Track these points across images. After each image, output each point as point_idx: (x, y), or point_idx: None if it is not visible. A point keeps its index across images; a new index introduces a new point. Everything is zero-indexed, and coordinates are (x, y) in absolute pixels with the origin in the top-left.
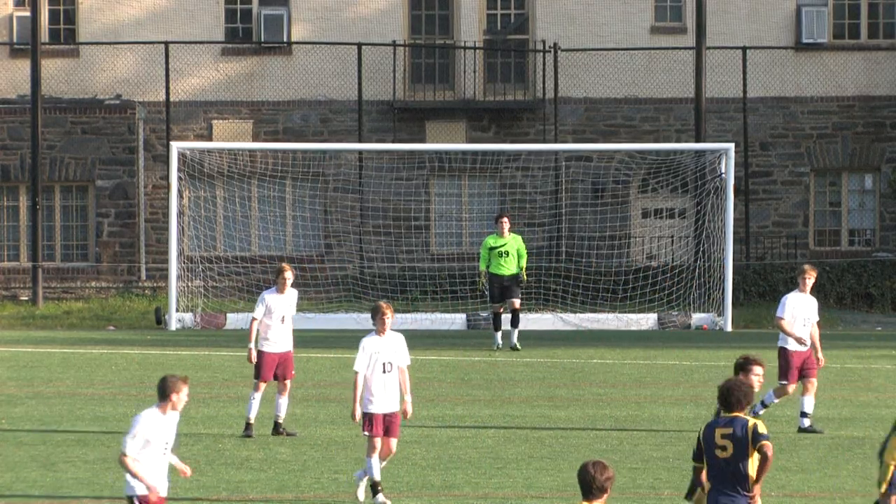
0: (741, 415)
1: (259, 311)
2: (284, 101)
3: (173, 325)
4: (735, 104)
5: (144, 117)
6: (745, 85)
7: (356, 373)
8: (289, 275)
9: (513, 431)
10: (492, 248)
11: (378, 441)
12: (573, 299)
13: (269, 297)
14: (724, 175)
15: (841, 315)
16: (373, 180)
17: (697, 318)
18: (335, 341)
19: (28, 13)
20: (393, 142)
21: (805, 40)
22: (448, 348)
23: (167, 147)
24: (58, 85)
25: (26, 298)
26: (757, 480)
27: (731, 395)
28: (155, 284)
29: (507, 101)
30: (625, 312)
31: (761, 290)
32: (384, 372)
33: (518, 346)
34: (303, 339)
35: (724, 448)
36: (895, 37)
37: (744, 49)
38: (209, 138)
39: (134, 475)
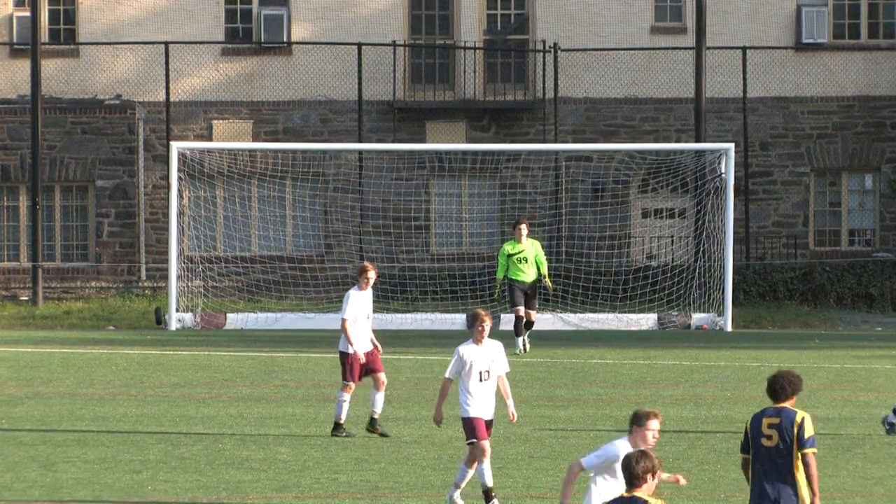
0: (789, 406)
1: (349, 311)
2: (284, 101)
3: (173, 325)
4: (735, 104)
5: (144, 117)
6: (745, 85)
7: (446, 379)
8: (372, 274)
9: (513, 431)
10: (510, 255)
11: (486, 444)
12: (573, 299)
13: (354, 295)
14: (724, 175)
15: (841, 315)
16: (373, 180)
17: (697, 318)
18: (335, 341)
19: (28, 13)
20: (393, 142)
21: (805, 40)
22: (448, 348)
23: (167, 147)
24: (58, 85)
25: (26, 298)
26: (813, 494)
27: (777, 384)
28: (155, 284)
29: (507, 101)
30: (625, 312)
31: (761, 290)
32: (481, 381)
33: (527, 347)
34: (303, 339)
35: (769, 437)
36: (895, 37)
37: (744, 49)
38: (209, 138)
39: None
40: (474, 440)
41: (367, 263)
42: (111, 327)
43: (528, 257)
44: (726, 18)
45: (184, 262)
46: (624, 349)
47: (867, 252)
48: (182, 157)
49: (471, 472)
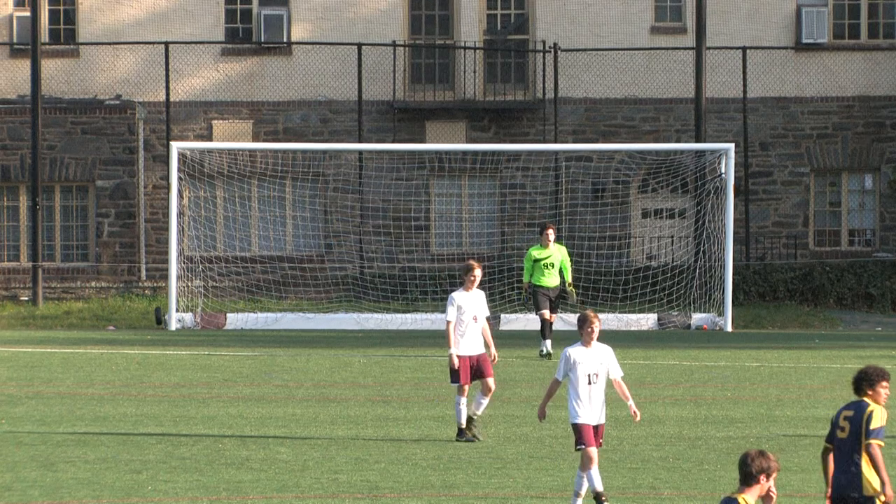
0: (866, 399)
1: (451, 312)
2: (284, 101)
3: (173, 325)
4: (735, 104)
5: (144, 117)
6: (745, 85)
7: (554, 380)
8: (478, 272)
9: (513, 431)
10: (536, 260)
11: (593, 451)
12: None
13: (459, 296)
14: (724, 175)
15: (841, 315)
16: (373, 180)
17: (697, 318)
18: (335, 341)
19: (28, 13)
20: (393, 142)
21: (805, 40)
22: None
23: (167, 147)
24: (58, 85)
25: (26, 298)
26: (882, 484)
27: (856, 378)
28: (155, 284)
29: (507, 101)
30: (625, 312)
31: (761, 290)
32: (590, 383)
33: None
34: (303, 339)
35: (843, 429)
36: (895, 37)
37: (744, 49)
38: (209, 138)
39: None
40: (582, 446)
41: (472, 262)
42: (111, 327)
43: (555, 262)
44: (726, 18)
45: (184, 262)
46: (624, 349)
47: (867, 252)
48: (182, 157)
49: (587, 479)
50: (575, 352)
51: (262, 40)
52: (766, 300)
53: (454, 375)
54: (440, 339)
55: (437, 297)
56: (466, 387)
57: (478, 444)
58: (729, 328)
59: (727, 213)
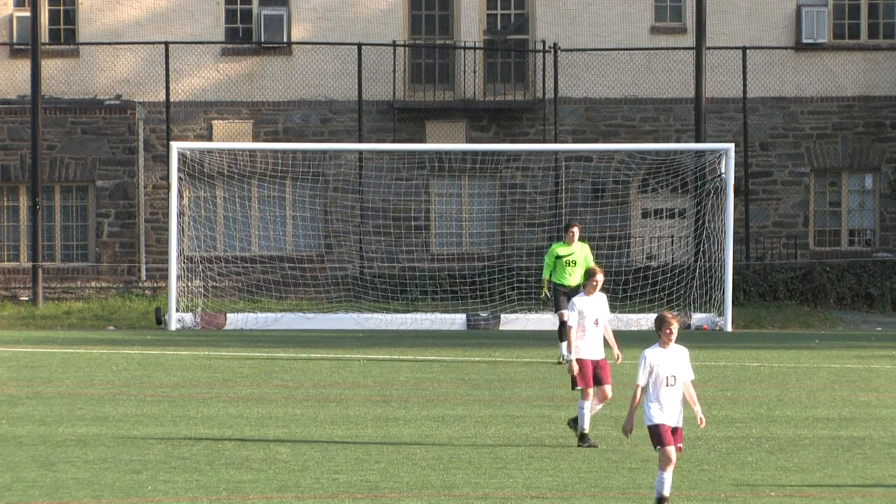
0: None
1: (573, 317)
2: (284, 102)
3: (173, 325)
4: (735, 104)
5: (144, 117)
6: (745, 85)
7: (638, 386)
8: (600, 277)
9: (513, 431)
10: (559, 257)
11: (672, 451)
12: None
13: (580, 301)
14: (724, 175)
15: (841, 315)
16: (373, 180)
17: (697, 318)
18: (335, 341)
19: (28, 13)
20: (393, 142)
21: (805, 40)
22: (448, 348)
23: (167, 147)
24: (58, 85)
25: (26, 298)
26: None
27: None
28: (155, 284)
29: (507, 101)
30: (625, 312)
31: (761, 290)
32: (668, 385)
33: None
34: (303, 339)
35: None
36: (895, 37)
37: (744, 49)
38: (209, 138)
39: None
40: (661, 446)
41: (594, 266)
42: (111, 327)
43: (578, 261)
44: (726, 18)
45: (184, 262)
46: (624, 349)
47: (867, 252)
48: (182, 157)
49: (667, 477)
50: (653, 353)
51: (262, 40)
52: (766, 300)
53: (575, 380)
54: (441, 339)
55: (437, 297)
56: (590, 390)
57: (478, 444)
58: (729, 328)
59: (727, 213)
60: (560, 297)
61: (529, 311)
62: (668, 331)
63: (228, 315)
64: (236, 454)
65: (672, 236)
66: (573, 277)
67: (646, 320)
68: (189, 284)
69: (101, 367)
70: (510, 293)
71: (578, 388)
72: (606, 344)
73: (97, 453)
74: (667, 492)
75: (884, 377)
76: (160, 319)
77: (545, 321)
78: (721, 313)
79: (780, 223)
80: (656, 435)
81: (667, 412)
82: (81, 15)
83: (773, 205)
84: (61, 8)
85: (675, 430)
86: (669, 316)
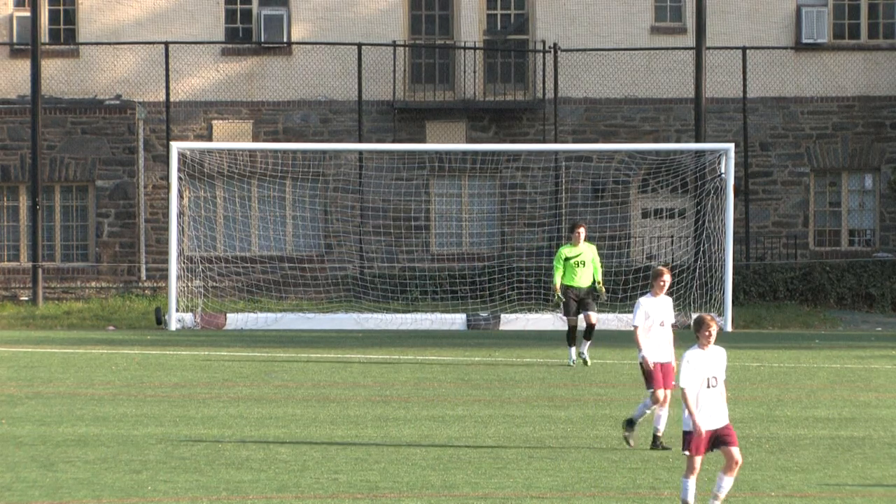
0: None
1: (639, 318)
2: (284, 101)
3: (173, 325)
4: (735, 104)
5: (144, 117)
6: (745, 85)
7: (683, 388)
8: (667, 278)
9: (513, 431)
10: (567, 259)
11: (698, 461)
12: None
13: (646, 302)
14: (723, 175)
15: (841, 315)
16: (373, 180)
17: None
18: (335, 341)
19: (28, 13)
20: (393, 142)
21: (805, 40)
22: (448, 348)
23: (167, 147)
24: (58, 85)
25: (26, 298)
26: None
27: None
28: (155, 284)
29: (507, 101)
30: (625, 312)
31: (761, 290)
32: (709, 387)
33: (587, 359)
34: (303, 339)
35: None
36: (895, 37)
37: (744, 49)
38: (209, 138)
39: None
40: (688, 453)
41: (661, 267)
42: (111, 327)
43: (586, 261)
44: (726, 18)
45: (184, 262)
46: (624, 349)
47: (867, 252)
48: (182, 157)
49: (727, 481)
50: (693, 355)
51: (262, 40)
52: (766, 300)
53: (649, 381)
54: (441, 339)
55: (437, 297)
56: (660, 392)
57: (478, 444)
58: (729, 328)
59: (727, 213)
60: (569, 302)
61: (529, 311)
62: (706, 332)
63: (228, 315)
64: (236, 454)
65: (672, 236)
66: (582, 278)
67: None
68: (189, 284)
69: (101, 367)
70: (510, 293)
71: (651, 390)
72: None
73: (97, 453)
74: (691, 499)
75: (884, 377)
76: (160, 319)
77: (545, 321)
78: (721, 313)
79: (780, 223)
80: (687, 441)
81: (706, 415)
82: (81, 15)
83: (773, 205)
84: (61, 8)
85: (723, 430)
86: (708, 318)
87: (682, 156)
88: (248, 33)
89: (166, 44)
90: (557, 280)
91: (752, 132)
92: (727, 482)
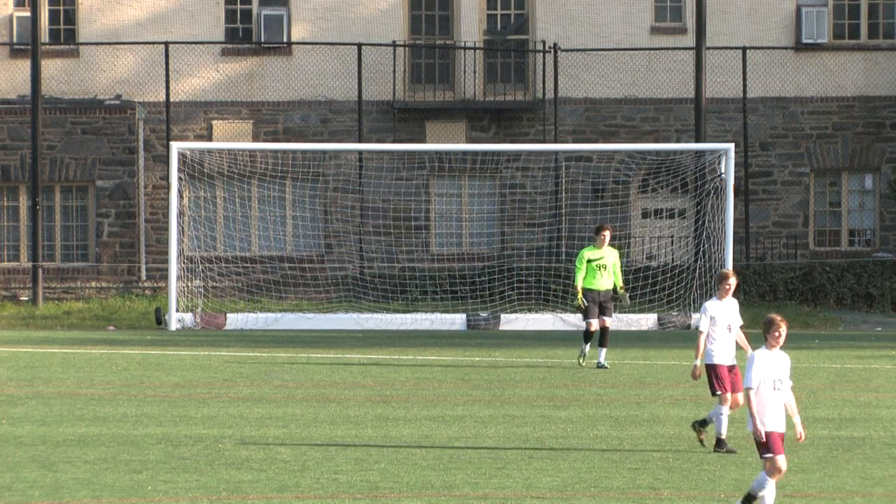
0: None
1: (704, 322)
2: (284, 102)
3: (173, 325)
4: (735, 104)
5: (144, 117)
6: (745, 85)
7: (748, 389)
8: (732, 281)
9: (513, 431)
10: (590, 261)
11: (782, 460)
12: (573, 299)
13: (712, 306)
14: (723, 175)
15: (841, 315)
16: (373, 180)
17: (697, 318)
18: (335, 341)
19: (28, 13)
20: (393, 142)
21: (805, 40)
22: (448, 348)
23: (167, 147)
24: (58, 85)
25: (26, 298)
26: None
27: None
28: (155, 284)
29: (507, 101)
30: (625, 312)
31: (761, 291)
32: (774, 389)
33: (606, 364)
34: (303, 339)
35: None
36: (895, 37)
37: (744, 49)
38: (209, 138)
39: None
40: (770, 454)
41: (727, 270)
42: (111, 327)
43: (608, 265)
44: (726, 18)
45: (184, 262)
46: (624, 349)
47: (867, 252)
48: (182, 157)
49: (772, 485)
50: (760, 355)
51: (262, 40)
52: (766, 300)
53: (714, 386)
54: (441, 339)
55: (437, 297)
56: (729, 395)
57: (478, 444)
58: None
59: (727, 213)
60: (590, 305)
61: (529, 311)
62: (776, 334)
63: (228, 315)
64: (236, 454)
65: (672, 236)
66: (603, 281)
67: (646, 321)
68: (189, 284)
69: (101, 367)
70: (510, 293)
71: (717, 393)
72: (739, 347)
73: (97, 453)
74: (769, 500)
75: (884, 377)
76: (160, 319)
77: (545, 321)
78: None
79: (780, 223)
80: (766, 442)
81: (775, 418)
82: (81, 15)
83: (773, 205)
84: (61, 8)
85: (782, 437)
86: (779, 319)
87: (682, 156)
88: (248, 33)
89: (166, 44)
90: (579, 281)
91: (752, 132)
92: (767, 484)
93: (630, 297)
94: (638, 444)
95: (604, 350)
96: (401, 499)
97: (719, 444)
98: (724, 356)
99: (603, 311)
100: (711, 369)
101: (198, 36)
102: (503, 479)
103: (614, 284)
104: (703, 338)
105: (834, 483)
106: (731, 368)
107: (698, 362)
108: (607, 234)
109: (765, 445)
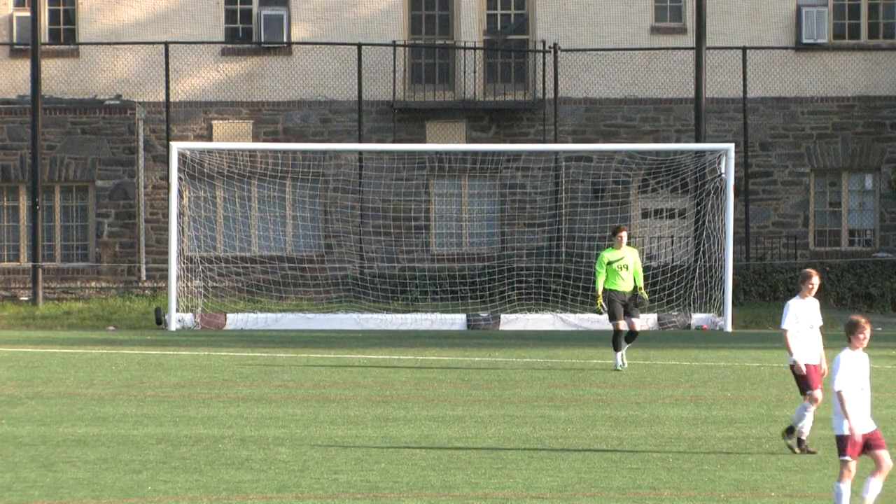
0: None
1: (789, 321)
2: (284, 102)
3: (173, 326)
4: (735, 104)
5: (144, 117)
6: (745, 85)
7: (839, 391)
8: (815, 280)
9: (513, 431)
10: (609, 263)
11: (853, 465)
12: (573, 299)
13: (795, 304)
14: (724, 175)
15: (841, 315)
16: (373, 180)
17: (697, 318)
18: (335, 341)
19: (28, 13)
20: (393, 142)
21: (805, 40)
22: (448, 348)
23: (167, 147)
24: (58, 85)
25: (26, 298)
26: None
27: None
28: (155, 284)
29: (507, 101)
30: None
31: (761, 291)
32: (861, 390)
33: (625, 363)
34: (303, 339)
35: None
36: (895, 37)
37: (744, 49)
38: (209, 138)
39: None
40: (847, 458)
41: (810, 270)
42: (111, 327)
43: (628, 265)
44: (726, 18)
45: (184, 262)
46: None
47: (867, 252)
48: (182, 157)
49: (875, 483)
50: (847, 357)
51: (262, 40)
52: (766, 300)
53: (803, 384)
54: (441, 339)
55: (437, 297)
56: (819, 393)
57: (478, 444)
58: (729, 328)
59: (727, 213)
60: (615, 305)
61: (529, 311)
62: (861, 335)
63: (228, 315)
64: (236, 454)
65: (672, 236)
66: (626, 282)
67: (646, 321)
68: (189, 284)
69: (101, 367)
70: (510, 293)
71: (808, 391)
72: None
73: (97, 453)
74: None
75: (884, 377)
76: (160, 319)
77: (545, 321)
78: (721, 313)
79: (780, 223)
80: (842, 445)
81: (858, 419)
82: (81, 15)
83: (773, 205)
84: (61, 8)
85: (872, 434)
86: (864, 320)
87: (682, 156)
88: (248, 33)
89: (166, 44)
90: (600, 286)
91: (752, 132)
92: (875, 484)
93: (650, 301)
94: (638, 444)
95: (626, 346)
96: (401, 499)
97: (800, 443)
98: (808, 355)
99: (629, 313)
100: (798, 366)
101: (198, 36)
102: (503, 479)
103: (635, 285)
104: (789, 335)
105: (833, 483)
106: (813, 367)
107: (796, 357)
108: (625, 234)
109: (842, 448)
